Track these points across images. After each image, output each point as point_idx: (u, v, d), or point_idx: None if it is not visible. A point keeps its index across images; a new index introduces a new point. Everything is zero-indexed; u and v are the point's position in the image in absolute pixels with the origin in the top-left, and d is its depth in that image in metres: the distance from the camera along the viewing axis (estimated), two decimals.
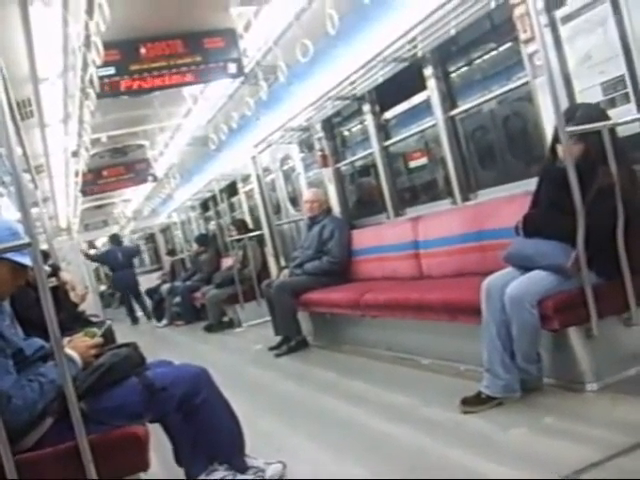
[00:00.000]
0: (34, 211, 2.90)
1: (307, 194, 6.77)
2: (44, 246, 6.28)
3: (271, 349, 6.15)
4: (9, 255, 2.39)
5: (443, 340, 4.32)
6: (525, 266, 3.26)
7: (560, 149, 3.18)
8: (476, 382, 3.38)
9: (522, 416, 3.09)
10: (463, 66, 5.12)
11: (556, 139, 3.21)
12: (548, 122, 3.81)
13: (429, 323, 4.29)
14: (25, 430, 2.31)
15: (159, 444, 2.90)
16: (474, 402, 3.28)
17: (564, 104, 3.44)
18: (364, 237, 6.17)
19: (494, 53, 4.76)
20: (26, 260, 2.41)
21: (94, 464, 2.14)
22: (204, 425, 2.79)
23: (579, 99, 3.65)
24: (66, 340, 2.56)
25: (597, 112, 3.29)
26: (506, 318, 3.17)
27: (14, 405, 2.20)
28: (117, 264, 13.27)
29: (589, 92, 3.60)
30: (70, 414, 2.12)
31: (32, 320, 2.72)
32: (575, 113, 3.18)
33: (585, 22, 3.55)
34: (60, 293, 4.37)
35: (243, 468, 2.88)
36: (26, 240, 2.06)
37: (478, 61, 4.94)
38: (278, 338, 6.20)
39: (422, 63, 5.19)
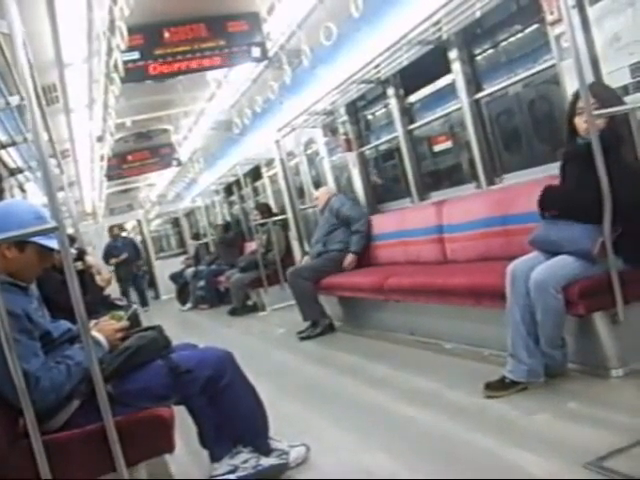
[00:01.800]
0: (60, 195, 2.92)
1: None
2: (70, 230, 6.34)
3: (299, 333, 6.17)
4: (36, 239, 2.42)
5: (467, 325, 4.31)
6: (551, 251, 3.24)
7: (578, 121, 3.15)
8: (500, 367, 3.37)
9: (546, 401, 3.08)
10: (488, 49, 5.07)
11: (571, 114, 3.20)
12: None
13: (453, 308, 4.29)
14: (52, 411, 2.35)
15: (184, 426, 2.93)
16: (498, 387, 3.27)
17: None
18: (388, 221, 6.17)
19: (520, 35, 4.70)
20: (53, 243, 2.44)
21: (120, 445, 2.16)
22: (228, 408, 2.82)
23: (607, 82, 3.59)
24: (92, 323, 2.59)
25: (609, 91, 3.28)
26: (531, 303, 3.15)
27: (42, 387, 2.24)
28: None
29: (617, 74, 3.54)
30: (97, 396, 2.14)
31: (59, 303, 2.76)
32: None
33: (613, 2, 3.49)
34: (86, 277, 4.42)
35: (267, 450, 2.90)
36: (53, 224, 2.08)
37: (504, 43, 4.89)
38: (302, 321, 6.22)
39: (447, 46, 5.14)
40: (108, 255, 13.08)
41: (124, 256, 12.84)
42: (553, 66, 4.17)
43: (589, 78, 3.45)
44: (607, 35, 3.57)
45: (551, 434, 2.72)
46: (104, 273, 4.67)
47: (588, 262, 3.09)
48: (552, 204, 3.31)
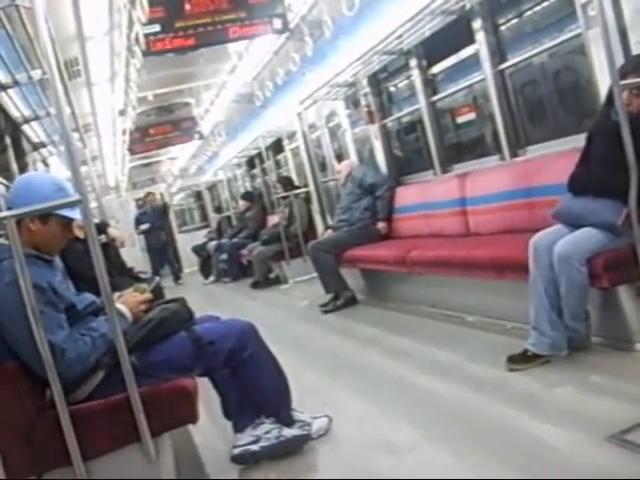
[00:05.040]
0: (83, 170, 2.94)
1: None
2: (94, 204, 6.38)
3: (321, 306, 6.20)
4: (59, 211, 2.44)
5: (489, 297, 4.29)
6: (574, 223, 3.21)
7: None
8: (522, 340, 3.36)
9: (569, 374, 3.07)
10: (513, 18, 4.97)
11: None
12: (601, 76, 3.70)
13: (476, 280, 4.28)
14: (78, 382, 2.38)
15: (207, 397, 2.96)
16: (520, 360, 3.27)
17: (619, 57, 3.31)
18: (410, 194, 6.14)
19: (545, 4, 4.60)
20: (75, 214, 2.46)
21: (144, 416, 2.20)
22: (251, 379, 2.84)
23: (635, 51, 3.51)
24: (116, 295, 2.61)
25: None
26: (554, 275, 3.13)
27: (68, 358, 2.26)
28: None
29: None
30: (121, 367, 2.17)
31: (82, 274, 2.79)
32: None
33: None
34: (110, 250, 4.46)
35: (289, 422, 2.93)
36: (76, 196, 2.10)
37: (529, 12, 4.79)
38: (324, 294, 6.24)
39: (471, 15, 5.05)
40: (137, 222, 13.13)
41: (145, 226, 12.81)
42: (579, 35, 4.08)
43: (616, 48, 3.38)
44: (636, 3, 3.49)
45: (573, 407, 2.72)
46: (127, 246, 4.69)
47: (612, 234, 3.06)
48: (580, 186, 3.26)
